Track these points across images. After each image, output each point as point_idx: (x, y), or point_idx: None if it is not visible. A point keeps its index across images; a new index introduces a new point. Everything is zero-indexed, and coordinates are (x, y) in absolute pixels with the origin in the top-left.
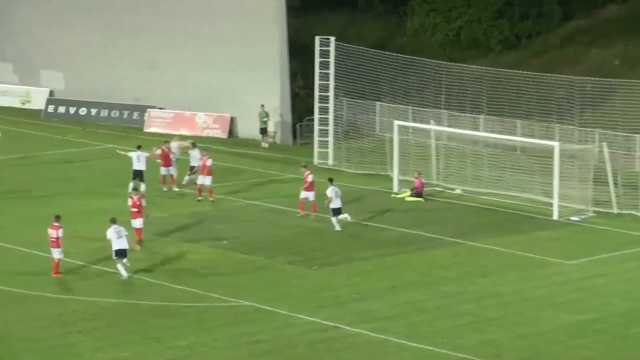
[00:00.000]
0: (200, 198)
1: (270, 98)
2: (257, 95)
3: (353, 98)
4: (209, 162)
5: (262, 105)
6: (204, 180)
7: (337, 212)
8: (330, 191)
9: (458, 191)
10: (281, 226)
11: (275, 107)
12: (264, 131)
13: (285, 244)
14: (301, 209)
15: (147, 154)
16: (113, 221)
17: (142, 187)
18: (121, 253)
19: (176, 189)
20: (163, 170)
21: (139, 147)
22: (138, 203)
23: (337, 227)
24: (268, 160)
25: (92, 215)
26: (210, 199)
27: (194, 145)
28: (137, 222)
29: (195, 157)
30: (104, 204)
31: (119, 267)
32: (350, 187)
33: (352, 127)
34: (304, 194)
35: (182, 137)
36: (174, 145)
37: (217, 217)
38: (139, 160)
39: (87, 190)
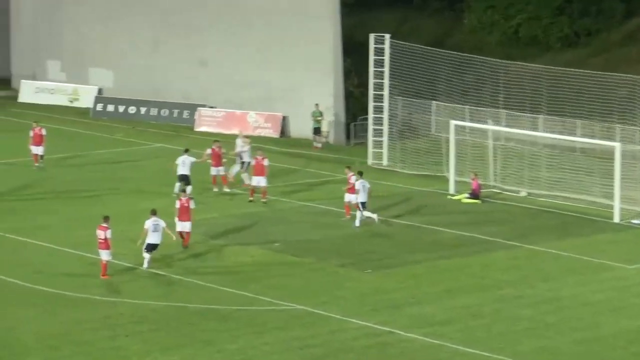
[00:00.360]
0: (251, 199)
1: (324, 97)
2: (310, 93)
3: (408, 97)
4: (266, 162)
5: (317, 105)
6: (259, 181)
7: (363, 206)
8: (359, 184)
9: (523, 193)
10: (334, 228)
11: (329, 106)
12: (317, 131)
13: (337, 246)
14: (347, 212)
15: (193, 159)
16: (153, 213)
17: (188, 189)
18: (153, 248)
19: (227, 190)
20: (213, 171)
21: (186, 151)
22: (186, 205)
23: (357, 223)
24: (321, 160)
25: (141, 216)
26: (263, 200)
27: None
28: (186, 225)
29: (249, 154)
30: (152, 204)
31: (147, 256)
32: (405, 189)
33: (407, 126)
34: (348, 197)
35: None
36: (240, 142)
37: (268, 219)
38: (184, 164)
39: (136, 191)
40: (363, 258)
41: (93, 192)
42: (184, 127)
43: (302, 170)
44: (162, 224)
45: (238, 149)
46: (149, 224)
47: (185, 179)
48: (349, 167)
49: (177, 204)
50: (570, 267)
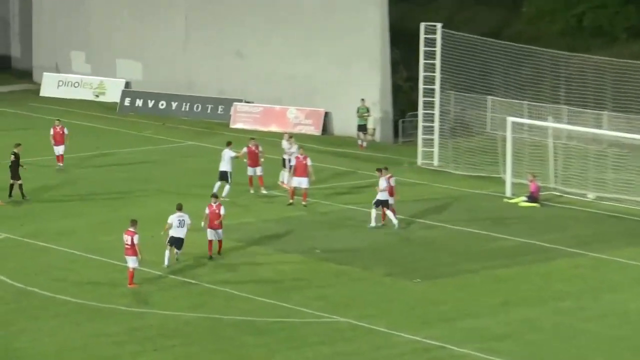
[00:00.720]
0: (291, 201)
1: (369, 91)
2: (355, 88)
3: (461, 91)
4: (308, 162)
5: (363, 100)
6: (301, 182)
7: (381, 203)
8: (384, 182)
9: (590, 196)
10: (380, 233)
11: (375, 101)
12: (362, 128)
13: (384, 253)
14: (382, 216)
15: (233, 153)
16: (179, 208)
17: (226, 189)
18: (176, 242)
19: (264, 192)
20: (249, 171)
21: (228, 144)
22: (217, 211)
23: (373, 223)
24: (366, 160)
25: None
26: (303, 203)
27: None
28: (216, 234)
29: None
30: (184, 207)
31: (167, 253)
32: (457, 191)
33: (460, 123)
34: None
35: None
36: (286, 144)
37: (310, 223)
38: (224, 160)
39: (166, 192)
40: (412, 266)
41: (119, 194)
42: (219, 123)
43: (346, 170)
44: (188, 220)
45: (287, 152)
46: (173, 218)
47: (224, 178)
48: (380, 170)
49: (207, 210)
50: (639, 278)
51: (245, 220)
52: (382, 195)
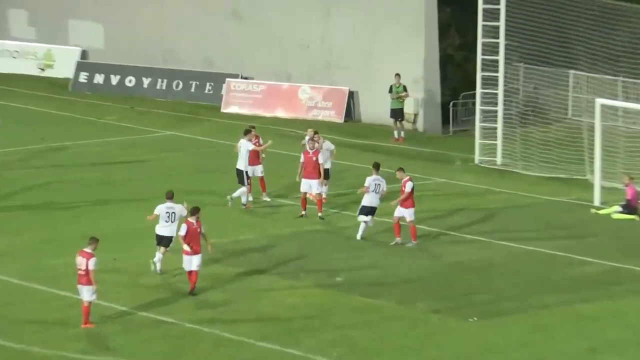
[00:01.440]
0: (303, 212)
1: (409, 64)
2: (389, 59)
3: (534, 64)
4: (320, 158)
5: (397, 75)
6: (311, 185)
7: (366, 211)
8: (370, 181)
9: None
10: (423, 255)
11: (417, 77)
12: (398, 113)
13: (426, 282)
14: (396, 232)
15: (251, 146)
16: (169, 196)
17: (237, 193)
18: (163, 241)
19: (266, 199)
20: (247, 171)
21: (246, 133)
22: (199, 230)
23: (360, 234)
24: (404, 156)
25: (141, 236)
26: (319, 214)
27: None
28: (193, 261)
29: (325, 155)
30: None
31: (158, 255)
32: (528, 198)
33: (532, 107)
34: (400, 211)
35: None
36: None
37: (327, 241)
38: (240, 154)
39: (136, 200)
40: (465, 300)
41: (73, 203)
42: (206, 106)
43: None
44: (182, 212)
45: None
46: (161, 209)
47: (239, 178)
48: (402, 170)
49: (183, 230)
50: None
51: (242, 237)
52: (367, 200)
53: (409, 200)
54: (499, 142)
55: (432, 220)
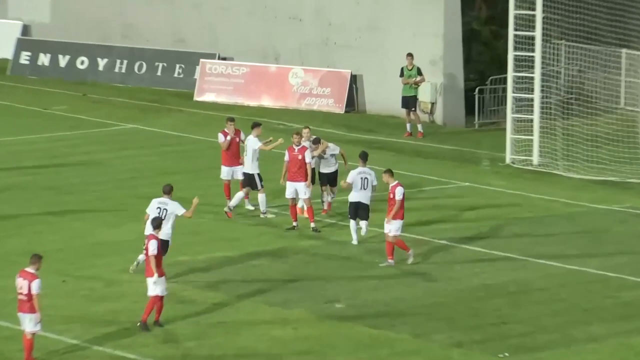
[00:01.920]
0: (294, 224)
1: (424, 41)
2: (401, 36)
3: (578, 41)
4: (307, 157)
5: (410, 56)
6: (299, 189)
7: (356, 211)
8: (354, 176)
9: None
10: (442, 277)
11: (435, 58)
12: (411, 102)
13: (449, 309)
14: (400, 247)
15: (259, 143)
16: (166, 191)
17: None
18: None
19: (249, 207)
20: (225, 173)
21: (254, 127)
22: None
23: (355, 240)
24: (419, 154)
25: (96, 253)
26: (312, 225)
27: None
28: (154, 286)
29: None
30: (118, 234)
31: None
32: (572, 206)
33: (576, 94)
34: (390, 225)
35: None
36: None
37: (324, 259)
38: (246, 154)
39: (91, 211)
40: (494, 332)
41: (13, 212)
42: (176, 93)
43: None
44: (179, 211)
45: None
46: (152, 207)
47: (251, 183)
48: (391, 172)
49: (153, 247)
50: None
51: (219, 254)
52: (354, 196)
53: (400, 211)
54: (536, 137)
55: (453, 233)
